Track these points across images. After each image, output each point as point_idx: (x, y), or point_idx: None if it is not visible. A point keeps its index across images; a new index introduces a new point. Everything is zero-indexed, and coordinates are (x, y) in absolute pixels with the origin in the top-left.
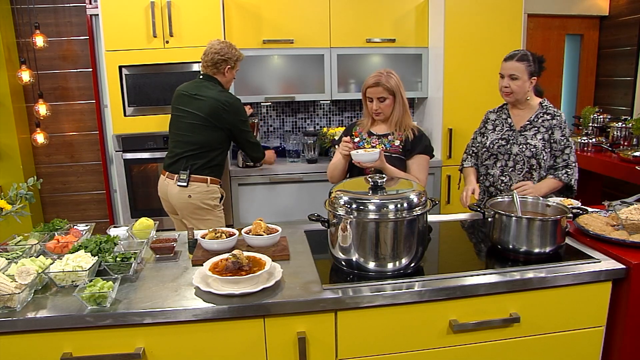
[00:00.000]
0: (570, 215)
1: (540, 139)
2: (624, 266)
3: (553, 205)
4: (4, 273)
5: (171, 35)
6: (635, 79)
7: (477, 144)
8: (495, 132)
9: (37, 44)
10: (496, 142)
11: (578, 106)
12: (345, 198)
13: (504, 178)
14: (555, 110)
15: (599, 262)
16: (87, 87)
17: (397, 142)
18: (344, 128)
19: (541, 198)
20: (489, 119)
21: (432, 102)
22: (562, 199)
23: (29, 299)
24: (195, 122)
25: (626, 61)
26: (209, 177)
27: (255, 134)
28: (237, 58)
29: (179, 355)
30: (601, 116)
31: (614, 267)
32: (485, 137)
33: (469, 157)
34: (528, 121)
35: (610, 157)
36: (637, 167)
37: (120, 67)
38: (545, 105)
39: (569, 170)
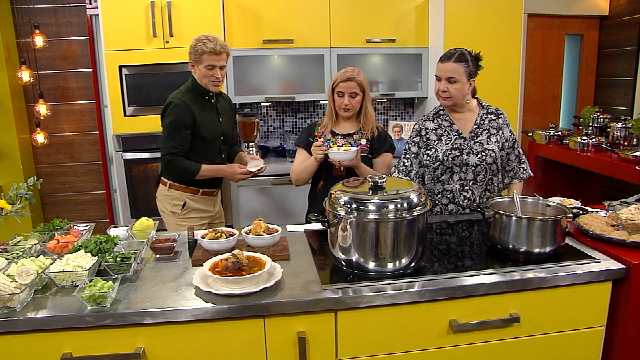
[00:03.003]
0: (570, 215)
1: (496, 142)
2: (624, 266)
3: (553, 205)
4: (4, 273)
5: (171, 35)
6: (635, 79)
7: (412, 155)
8: (444, 143)
9: (37, 44)
10: (449, 154)
11: (578, 106)
12: (345, 198)
13: (465, 193)
14: (496, 108)
15: (599, 262)
16: (87, 87)
17: (363, 141)
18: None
19: (541, 198)
20: (427, 128)
21: (432, 102)
22: (562, 199)
23: (29, 299)
24: None
25: (626, 61)
26: (169, 181)
27: (255, 133)
28: (196, 51)
29: (179, 355)
30: (601, 116)
31: (614, 267)
32: (433, 150)
33: (398, 173)
34: (475, 125)
35: (610, 157)
36: (637, 167)
37: (120, 67)
38: (486, 105)
39: (523, 165)
